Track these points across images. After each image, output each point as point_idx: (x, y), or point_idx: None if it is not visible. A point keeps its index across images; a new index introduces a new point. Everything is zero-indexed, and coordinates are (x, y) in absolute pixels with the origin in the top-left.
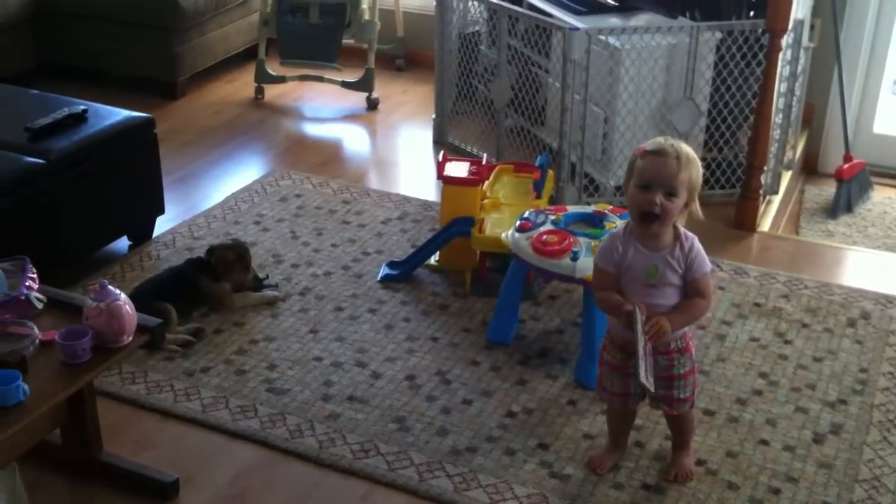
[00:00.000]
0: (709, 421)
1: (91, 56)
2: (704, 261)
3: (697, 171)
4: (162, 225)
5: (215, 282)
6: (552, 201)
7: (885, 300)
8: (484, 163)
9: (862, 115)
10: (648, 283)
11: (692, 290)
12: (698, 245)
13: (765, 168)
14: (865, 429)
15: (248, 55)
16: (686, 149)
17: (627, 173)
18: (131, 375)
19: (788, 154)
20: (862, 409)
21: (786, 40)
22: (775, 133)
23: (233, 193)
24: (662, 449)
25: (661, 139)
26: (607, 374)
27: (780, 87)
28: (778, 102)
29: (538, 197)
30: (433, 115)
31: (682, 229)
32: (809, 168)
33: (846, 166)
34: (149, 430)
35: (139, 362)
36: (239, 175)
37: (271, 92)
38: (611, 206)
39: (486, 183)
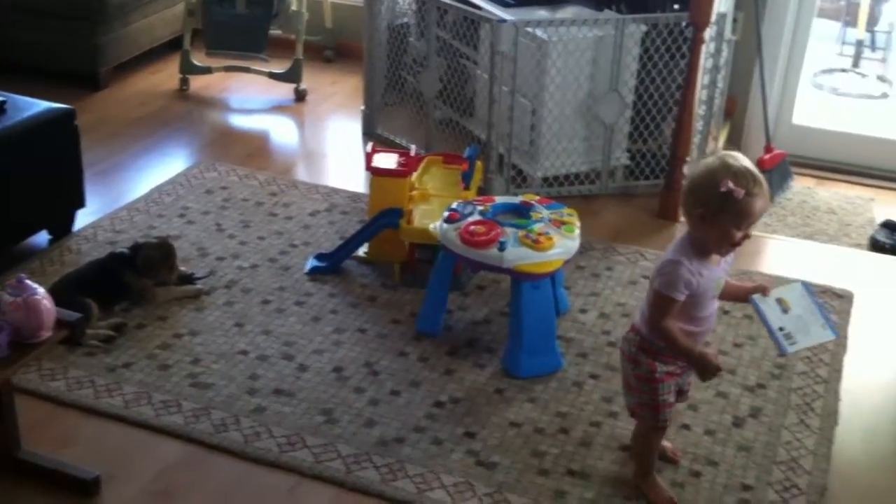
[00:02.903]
0: None
1: (11, 47)
2: None
3: None
4: (83, 218)
5: (139, 276)
6: (480, 192)
7: None
8: (412, 154)
9: (782, 106)
10: (714, 297)
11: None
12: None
13: (688, 159)
14: (783, 412)
15: (173, 46)
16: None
17: (717, 207)
18: (51, 372)
19: (711, 145)
20: (780, 393)
21: (709, 33)
22: (698, 125)
23: (157, 186)
24: (587, 435)
25: (739, 165)
26: (667, 388)
27: (703, 79)
28: (701, 94)
29: (467, 188)
30: (362, 107)
31: None
32: None
33: (767, 157)
34: (70, 426)
35: (60, 358)
36: (163, 167)
37: (197, 83)
38: (538, 197)
39: (415, 174)
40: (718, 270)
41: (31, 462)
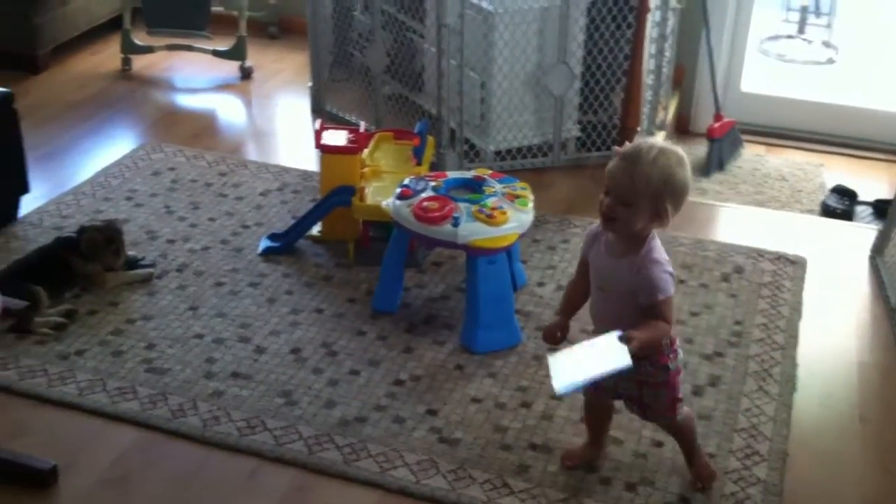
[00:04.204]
0: None
1: None
2: (656, 286)
3: (667, 183)
4: (28, 204)
5: (86, 260)
6: (433, 168)
7: (756, 254)
8: (362, 130)
9: (730, 74)
10: (599, 286)
11: (650, 314)
12: (653, 269)
13: (638, 129)
14: (742, 379)
15: (112, 25)
16: (654, 159)
17: None
18: (2, 361)
19: (661, 115)
20: (738, 361)
21: (654, 2)
22: (647, 94)
23: (102, 169)
24: (549, 408)
25: (644, 142)
26: None
27: (650, 48)
28: (648, 64)
29: (419, 164)
30: (309, 84)
31: (649, 248)
32: (681, 128)
33: (717, 125)
34: (22, 416)
35: (9, 347)
36: (108, 150)
37: (139, 63)
38: (490, 171)
39: (366, 151)
40: (609, 262)
41: None
